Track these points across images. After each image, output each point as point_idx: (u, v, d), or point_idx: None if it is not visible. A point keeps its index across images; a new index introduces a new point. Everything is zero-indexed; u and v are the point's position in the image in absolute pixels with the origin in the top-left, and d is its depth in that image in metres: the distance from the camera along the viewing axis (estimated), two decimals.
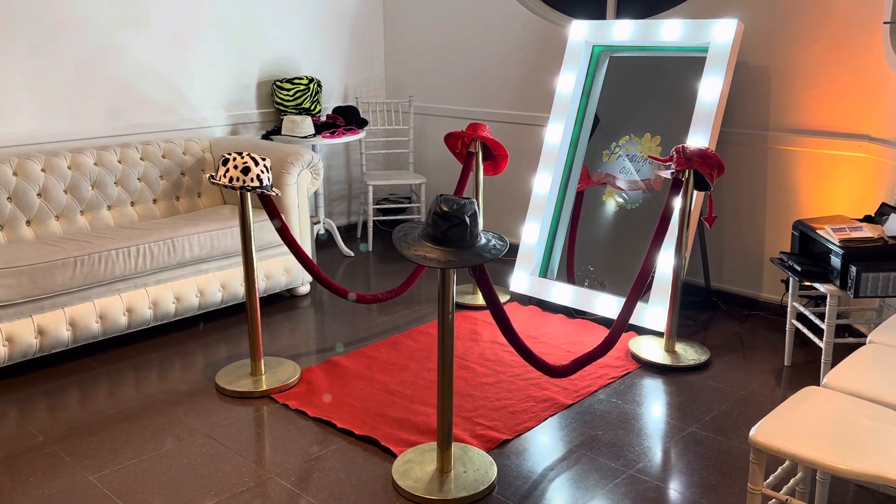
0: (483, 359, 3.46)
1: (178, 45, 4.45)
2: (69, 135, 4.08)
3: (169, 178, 4.23)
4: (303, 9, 5.03)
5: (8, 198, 3.66)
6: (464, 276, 4.62)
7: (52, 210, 3.80)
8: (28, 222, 3.74)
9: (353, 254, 5.11)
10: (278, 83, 4.86)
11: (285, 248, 4.12)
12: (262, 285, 4.05)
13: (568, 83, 4.16)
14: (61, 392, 3.16)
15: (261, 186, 3.01)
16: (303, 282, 4.28)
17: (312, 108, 4.95)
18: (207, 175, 3.01)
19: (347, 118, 4.98)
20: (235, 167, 2.97)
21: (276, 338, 3.74)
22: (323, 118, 5.06)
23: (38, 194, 3.75)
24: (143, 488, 2.48)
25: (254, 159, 3.00)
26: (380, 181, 5.09)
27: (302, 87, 4.87)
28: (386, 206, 5.39)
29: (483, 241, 2.38)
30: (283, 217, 4.09)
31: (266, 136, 4.80)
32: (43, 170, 3.79)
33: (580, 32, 4.18)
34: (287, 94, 4.85)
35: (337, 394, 3.12)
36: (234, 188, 2.97)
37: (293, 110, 4.89)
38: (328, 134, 4.75)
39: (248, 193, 3.06)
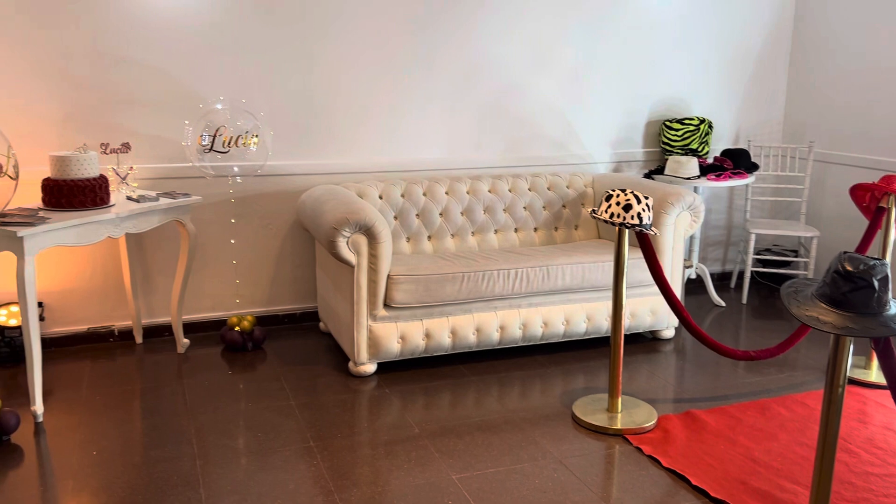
0: (871, 444, 3.01)
1: (575, 83, 4.67)
2: (471, 163, 4.52)
3: (551, 209, 4.45)
4: (703, 48, 4.93)
5: (416, 214, 4.17)
6: (860, 347, 4.08)
7: (449, 228, 4.23)
8: (429, 237, 4.21)
9: (724, 304, 4.84)
10: (667, 123, 4.82)
11: (654, 289, 4.05)
12: (626, 323, 4.03)
13: None
14: (437, 392, 3.48)
15: (640, 225, 3.00)
16: (668, 325, 4.16)
17: (700, 149, 4.81)
18: (590, 209, 3.07)
19: (736, 161, 4.75)
20: (618, 203, 3.00)
21: (634, 378, 3.68)
22: (710, 160, 4.89)
23: (440, 214, 4.21)
24: (497, 499, 2.62)
25: (636, 197, 3.00)
26: (764, 230, 4.75)
27: (692, 128, 4.77)
28: (767, 258, 5.01)
29: (893, 310, 2.07)
30: (658, 257, 4.04)
31: (648, 175, 4.79)
32: (447, 193, 4.24)
33: None
34: (675, 134, 4.79)
35: (694, 449, 2.96)
36: (613, 224, 3.00)
37: (679, 151, 4.80)
38: (713, 176, 4.58)
39: (627, 230, 3.07)
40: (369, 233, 3.48)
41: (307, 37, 4.05)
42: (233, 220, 4.09)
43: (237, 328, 3.96)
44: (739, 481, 2.73)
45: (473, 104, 4.47)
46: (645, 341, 4.20)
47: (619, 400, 3.23)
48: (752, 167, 4.77)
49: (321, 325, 4.26)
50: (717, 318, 4.60)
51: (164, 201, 3.59)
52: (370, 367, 3.65)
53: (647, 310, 4.06)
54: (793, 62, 5.17)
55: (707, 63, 4.98)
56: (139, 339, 4.04)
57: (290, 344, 4.07)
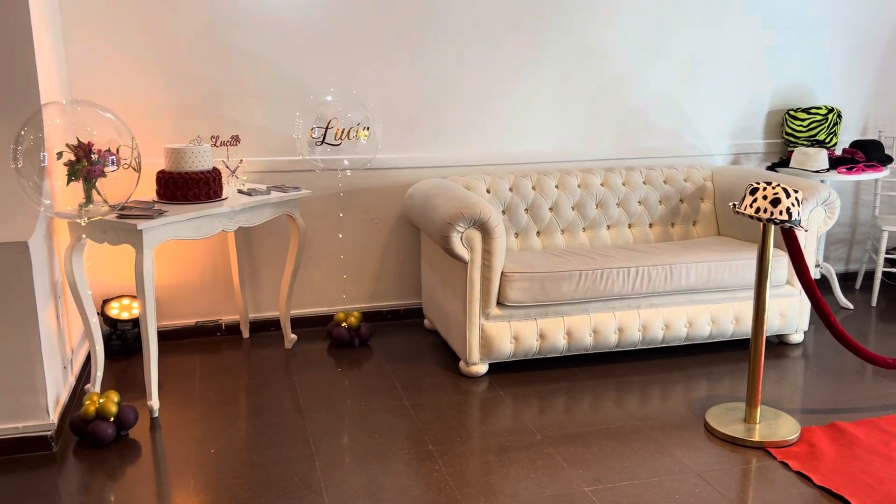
0: None
1: (692, 72, 4.41)
2: (581, 155, 4.32)
3: (667, 204, 4.21)
4: (827, 34, 4.59)
5: (525, 209, 4.00)
6: None
7: (559, 224, 4.05)
8: (538, 233, 4.04)
9: (851, 306, 4.50)
10: (791, 112, 4.51)
11: (783, 290, 3.77)
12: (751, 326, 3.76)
13: None
14: (552, 395, 3.31)
15: (789, 220, 2.75)
16: (797, 329, 3.88)
17: (828, 140, 4.48)
18: (731, 203, 2.85)
19: (868, 153, 4.40)
20: (765, 198, 2.76)
21: (763, 385, 3.42)
22: (838, 152, 4.55)
23: (549, 208, 4.03)
24: None
25: (785, 191, 2.76)
26: (894, 227, 4.39)
27: (819, 118, 4.45)
28: (891, 257, 4.64)
29: None
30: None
31: (771, 168, 4.49)
32: (556, 186, 4.06)
33: None
34: (800, 125, 4.47)
35: (847, 466, 2.70)
36: (759, 220, 2.77)
37: (805, 142, 4.49)
38: (844, 170, 4.25)
39: (772, 227, 2.83)
40: (483, 228, 3.34)
41: (416, 27, 3.93)
42: (341, 215, 4.01)
43: (344, 324, 3.88)
44: None
45: (583, 94, 4.27)
46: (771, 346, 3.92)
47: (759, 410, 2.99)
48: (886, 160, 4.41)
49: (426, 322, 4.14)
50: (845, 321, 4.28)
51: (275, 195, 3.52)
52: (482, 368, 3.50)
53: (777, 312, 3.79)
54: None
55: (832, 50, 4.63)
56: (246, 334, 4.01)
57: (396, 341, 3.97)
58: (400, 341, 3.97)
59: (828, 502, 2.50)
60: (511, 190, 4.00)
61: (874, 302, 4.55)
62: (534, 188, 4.03)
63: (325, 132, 3.67)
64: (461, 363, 3.54)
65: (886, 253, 4.84)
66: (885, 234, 4.41)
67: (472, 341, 3.44)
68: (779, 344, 3.94)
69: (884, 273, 5.01)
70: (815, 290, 2.93)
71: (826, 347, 3.88)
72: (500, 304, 3.43)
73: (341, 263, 4.09)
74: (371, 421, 3.08)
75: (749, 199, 2.81)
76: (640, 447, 2.87)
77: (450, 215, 3.30)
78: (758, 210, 2.78)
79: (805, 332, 4.02)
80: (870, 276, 4.94)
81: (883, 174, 4.31)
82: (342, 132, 3.68)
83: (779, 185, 2.78)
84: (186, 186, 3.23)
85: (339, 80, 3.87)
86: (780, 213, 2.74)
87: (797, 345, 3.93)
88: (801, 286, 2.96)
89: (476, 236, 3.35)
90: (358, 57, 3.88)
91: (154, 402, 3.10)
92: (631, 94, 4.34)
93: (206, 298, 3.95)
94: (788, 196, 2.75)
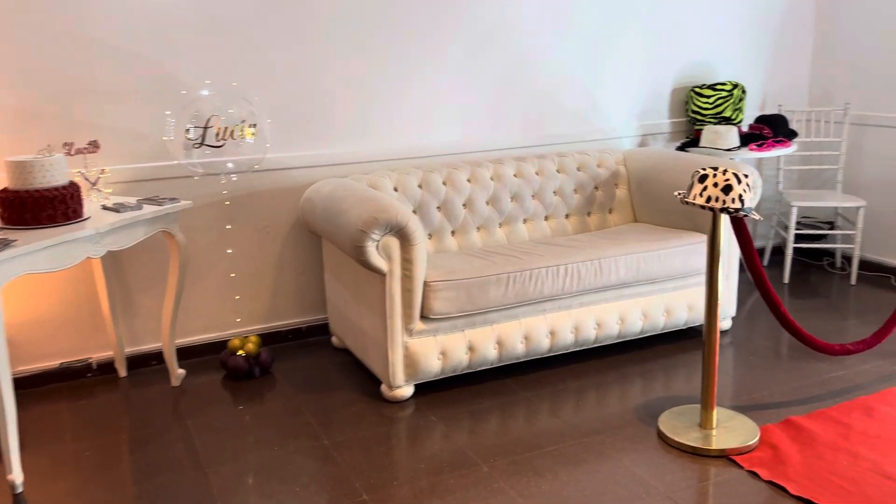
0: None
1: (596, 50, 4.17)
2: (488, 144, 3.99)
3: (583, 193, 3.96)
4: (726, 6, 4.48)
5: (437, 207, 3.63)
6: None
7: (474, 221, 3.71)
8: (453, 232, 3.68)
9: None
10: (697, 90, 4.36)
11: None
12: (685, 316, 3.58)
13: None
14: (487, 415, 2.97)
15: (743, 208, 2.52)
16: (725, 316, 3.73)
17: (734, 116, 4.37)
18: (677, 193, 2.59)
19: (774, 129, 4.33)
20: (716, 185, 2.52)
21: (691, 378, 3.23)
22: (745, 128, 4.46)
23: (463, 204, 3.68)
24: None
25: (736, 176, 2.52)
26: (807, 202, 4.34)
27: (724, 94, 4.32)
28: (801, 232, 4.62)
29: None
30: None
31: (681, 148, 4.34)
32: (469, 180, 3.71)
33: None
34: (706, 102, 4.34)
35: (817, 469, 2.52)
36: (712, 209, 2.52)
37: (711, 119, 4.35)
38: (755, 146, 4.14)
39: (721, 215, 2.59)
40: (402, 234, 2.94)
41: (302, 8, 3.44)
42: (228, 226, 3.48)
43: (241, 352, 3.38)
44: None
45: (487, 79, 3.93)
46: (696, 335, 3.76)
47: (715, 413, 2.77)
48: (791, 134, 4.35)
49: (334, 339, 3.70)
50: (757, 302, 4.19)
51: (148, 209, 2.97)
52: (407, 390, 3.11)
53: (703, 301, 3.61)
54: (819, 17, 4.76)
55: (731, 23, 4.53)
56: (123, 373, 3.42)
57: (302, 365, 3.51)
58: (307, 365, 3.51)
59: None
60: (420, 187, 3.61)
61: (786, 278, 4.50)
62: (445, 183, 3.66)
63: (205, 132, 3.14)
64: (383, 387, 3.13)
65: (795, 228, 4.82)
66: (794, 210, 4.36)
67: (396, 362, 3.04)
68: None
69: (794, 248, 5.00)
70: (765, 278, 2.74)
71: (754, 333, 3.75)
72: (423, 317, 3.05)
73: (232, 282, 3.57)
74: (289, 469, 2.63)
75: (698, 187, 2.56)
76: (597, 468, 2.57)
77: (363, 222, 2.88)
78: (709, 199, 2.53)
79: (733, 319, 3.88)
80: (777, 251, 4.92)
81: (792, 149, 4.24)
82: (224, 131, 3.17)
83: (727, 170, 2.55)
84: (37, 207, 2.64)
85: (216, 71, 3.34)
86: (733, 200, 2.51)
87: (726, 332, 3.78)
88: (750, 274, 2.76)
89: (394, 244, 2.94)
90: (237, 44, 3.36)
91: (16, 474, 2.52)
92: (536, 78, 4.05)
93: (71, 334, 3.33)
94: (740, 182, 2.52)
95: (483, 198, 3.72)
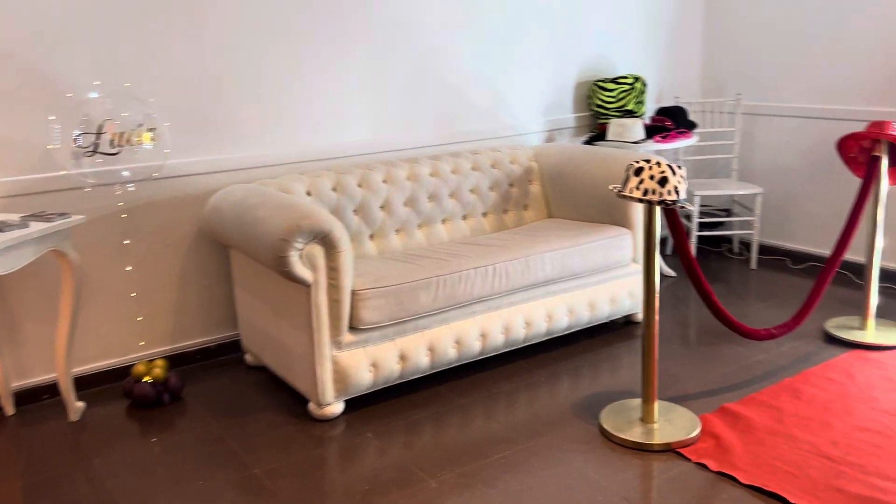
0: None
1: (503, 46, 4.11)
2: (399, 143, 3.85)
3: (498, 190, 3.89)
4: (622, 2, 4.53)
5: (354, 211, 3.46)
6: (845, 305, 3.89)
7: (392, 223, 3.56)
8: (371, 236, 3.52)
9: (674, 273, 4.52)
10: (599, 83, 4.39)
11: (630, 268, 3.62)
12: (607, 310, 3.58)
13: None
14: (424, 426, 2.84)
15: (678, 200, 2.51)
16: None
17: (636, 110, 4.43)
18: (612, 187, 2.55)
19: (676, 120, 4.42)
20: (652, 177, 2.49)
21: (628, 373, 3.24)
22: (647, 121, 4.53)
23: (380, 207, 3.53)
24: None
25: (671, 168, 2.51)
26: (708, 191, 4.46)
27: (627, 87, 4.37)
28: (703, 220, 4.76)
29: None
30: (632, 233, 3.61)
31: (589, 142, 4.35)
32: (384, 181, 3.56)
33: None
34: (609, 95, 4.37)
35: (760, 455, 2.55)
36: (650, 202, 2.49)
37: (615, 113, 4.40)
38: (659, 138, 4.21)
39: (656, 207, 2.57)
40: (327, 241, 2.75)
41: (194, 7, 3.18)
42: (126, 241, 3.16)
43: (147, 378, 3.08)
44: (834, 489, 2.34)
45: (397, 76, 3.79)
46: (618, 328, 3.77)
47: (656, 406, 2.76)
48: (691, 125, 4.46)
49: (248, 357, 3.45)
50: (671, 288, 4.27)
51: (36, 226, 2.64)
52: (338, 407, 2.93)
53: (626, 292, 3.63)
54: (709, 9, 4.91)
55: (626, 16, 4.59)
56: (10, 410, 3.05)
57: (216, 387, 3.25)
58: (221, 387, 3.25)
59: (762, 501, 2.31)
60: (335, 190, 3.42)
61: None
62: (360, 186, 3.49)
63: (98, 138, 2.83)
64: (311, 405, 2.93)
65: (686, 217, 4.95)
66: (697, 199, 4.47)
67: (324, 378, 2.85)
68: (626, 324, 3.81)
69: (698, 237, 5.14)
70: (698, 268, 2.75)
71: (669, 321, 3.81)
72: (352, 328, 2.88)
73: (133, 302, 3.25)
74: None
75: (634, 180, 2.53)
76: (547, 473, 2.50)
77: (284, 230, 2.67)
78: (646, 192, 2.50)
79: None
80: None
81: (693, 140, 4.34)
82: (120, 137, 2.86)
83: (660, 162, 2.53)
84: None
85: (105, 70, 3.02)
86: (669, 192, 2.49)
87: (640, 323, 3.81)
88: (683, 265, 2.76)
89: (318, 252, 2.75)
90: (128, 40, 3.05)
91: None
92: (446, 75, 3.94)
93: None
94: (675, 173, 2.51)
95: (400, 199, 3.58)
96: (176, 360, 3.41)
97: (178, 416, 3.01)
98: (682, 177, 2.53)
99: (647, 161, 2.55)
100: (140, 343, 3.29)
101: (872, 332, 3.45)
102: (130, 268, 3.20)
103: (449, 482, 2.47)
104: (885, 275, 4.16)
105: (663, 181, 2.49)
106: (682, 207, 2.51)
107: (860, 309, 3.81)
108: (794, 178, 4.61)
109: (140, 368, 3.10)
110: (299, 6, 3.43)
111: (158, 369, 3.10)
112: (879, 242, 3.41)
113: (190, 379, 3.33)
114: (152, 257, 3.27)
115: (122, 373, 3.29)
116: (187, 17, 3.17)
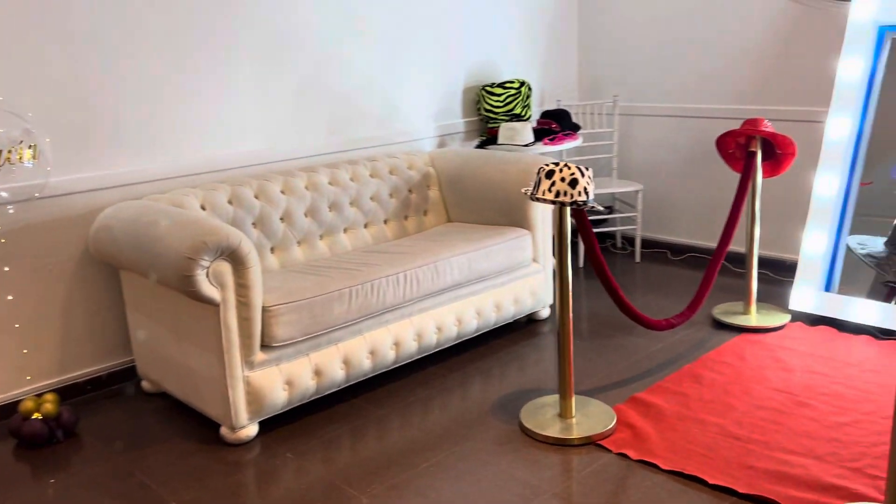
0: (817, 393, 2.97)
1: (393, 52, 4.10)
2: (293, 152, 3.75)
3: (398, 197, 3.87)
4: (503, 8, 4.63)
5: (253, 223, 3.34)
6: (727, 293, 4.13)
7: (294, 235, 3.46)
8: (272, 249, 3.41)
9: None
10: (487, 88, 4.46)
11: (532, 268, 3.71)
12: (512, 310, 3.64)
13: (852, 70, 3.65)
14: (343, 442, 2.78)
15: (588, 200, 2.59)
16: (544, 304, 3.85)
17: (523, 113, 4.54)
18: (524, 190, 2.60)
19: (561, 123, 4.56)
20: (563, 179, 2.56)
21: (535, 370, 3.32)
22: (533, 124, 4.65)
23: (280, 218, 3.42)
24: None
25: (580, 170, 2.58)
26: (596, 189, 4.63)
27: (513, 91, 4.47)
28: (589, 218, 4.94)
29: None
30: (532, 233, 3.70)
31: (481, 146, 4.41)
32: (283, 192, 3.46)
33: (865, 11, 3.67)
34: (497, 100, 4.46)
35: (675, 441, 2.67)
36: (563, 204, 2.56)
37: (503, 117, 4.48)
38: (548, 141, 4.34)
39: (566, 209, 2.65)
40: (234, 257, 2.64)
41: (72, 9, 2.96)
42: (6, 269, 2.90)
43: (36, 414, 2.84)
44: (746, 467, 2.49)
45: (289, 84, 3.69)
46: (522, 327, 3.85)
47: (574, 401, 2.83)
48: (576, 127, 4.62)
49: (145, 384, 3.25)
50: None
51: None
52: (252, 430, 2.81)
53: (528, 291, 3.71)
54: (582, 13, 5.11)
55: (510, 20, 4.70)
56: None
57: (113, 419, 3.04)
58: (119, 418, 3.05)
59: (683, 486, 2.42)
60: (231, 203, 3.29)
61: (580, 262, 4.78)
62: (257, 197, 3.37)
63: None
64: (223, 430, 2.80)
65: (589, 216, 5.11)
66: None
67: (237, 400, 2.73)
68: (529, 323, 3.89)
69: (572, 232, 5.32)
70: (606, 267, 2.84)
71: (574, 318, 3.92)
72: (264, 346, 2.77)
73: (16, 333, 2.99)
74: None
75: (546, 183, 2.58)
76: (479, 477, 2.51)
77: (188, 247, 2.54)
78: (558, 194, 2.56)
79: (551, 307, 4.02)
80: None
81: (579, 141, 4.50)
82: None
83: (567, 164, 2.60)
84: None
85: None
86: (580, 193, 2.57)
87: (545, 320, 3.91)
88: (592, 264, 2.85)
89: (226, 269, 2.63)
90: (1, 50, 2.81)
91: None
92: (337, 82, 3.88)
93: None
94: (583, 175, 2.58)
95: (301, 209, 3.49)
96: (66, 393, 3.17)
97: (75, 453, 2.79)
98: (589, 178, 2.61)
99: (556, 164, 2.61)
100: (27, 377, 3.03)
101: (755, 316, 3.70)
102: (11, 297, 2.93)
103: (381, 496, 2.43)
104: (761, 262, 4.47)
105: (573, 183, 2.56)
106: (593, 208, 2.60)
107: (742, 295, 4.08)
108: (671, 174, 4.87)
109: (28, 405, 2.85)
110: (184, 14, 3.27)
111: (49, 404, 2.86)
112: (758, 232, 3.67)
113: (83, 412, 3.10)
114: (35, 284, 3.02)
115: (9, 410, 3.01)
116: (67, 25, 2.94)
